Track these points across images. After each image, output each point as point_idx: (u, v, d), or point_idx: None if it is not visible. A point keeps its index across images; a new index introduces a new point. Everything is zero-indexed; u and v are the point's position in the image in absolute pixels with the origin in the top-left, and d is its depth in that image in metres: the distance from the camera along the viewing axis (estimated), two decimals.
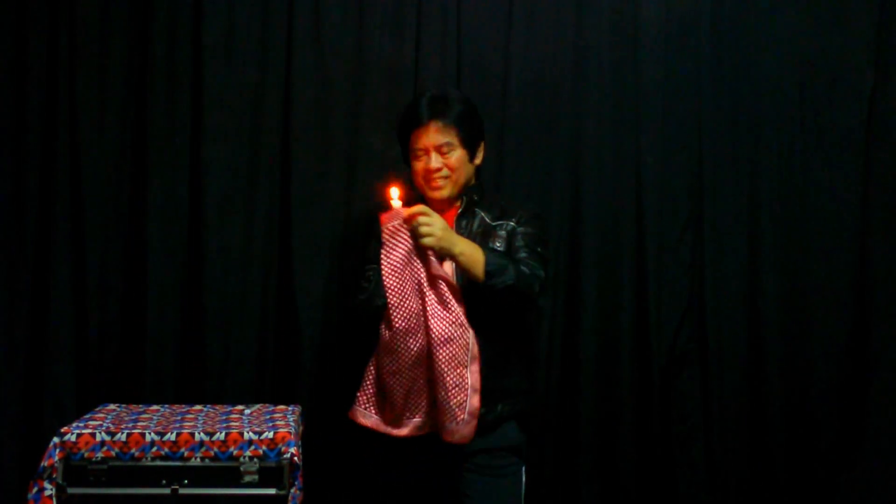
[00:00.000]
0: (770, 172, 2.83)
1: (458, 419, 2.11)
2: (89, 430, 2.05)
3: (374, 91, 2.75)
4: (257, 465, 2.05)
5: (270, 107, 2.72)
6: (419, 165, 2.30)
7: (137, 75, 2.67)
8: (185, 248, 2.68)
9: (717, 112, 2.84)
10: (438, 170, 2.28)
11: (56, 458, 2.01)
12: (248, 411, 2.34)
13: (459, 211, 2.33)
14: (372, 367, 2.24)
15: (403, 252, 2.10)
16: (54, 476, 2.00)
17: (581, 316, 2.77)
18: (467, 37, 2.78)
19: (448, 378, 2.11)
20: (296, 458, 2.06)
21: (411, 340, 2.11)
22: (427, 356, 2.13)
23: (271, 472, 2.06)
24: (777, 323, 2.81)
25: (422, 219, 2.10)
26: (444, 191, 2.30)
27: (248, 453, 2.05)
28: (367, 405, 2.24)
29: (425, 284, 2.12)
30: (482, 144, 2.37)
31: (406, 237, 2.11)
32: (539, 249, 2.29)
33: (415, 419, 2.18)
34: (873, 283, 2.81)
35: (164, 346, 2.65)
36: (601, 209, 2.81)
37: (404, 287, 2.10)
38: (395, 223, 2.11)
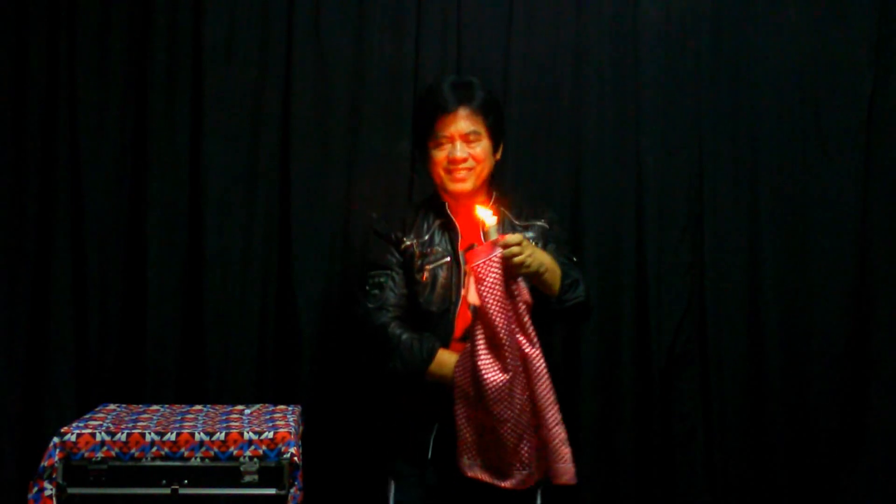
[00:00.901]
0: (770, 172, 2.84)
1: (566, 456, 1.98)
2: (89, 430, 2.05)
3: (374, 91, 2.75)
4: (257, 465, 2.05)
5: (270, 107, 2.72)
6: (441, 154, 2.18)
7: (137, 75, 2.67)
8: (184, 248, 2.68)
9: (717, 112, 2.84)
10: (464, 160, 2.17)
11: (56, 458, 2.01)
12: (248, 411, 2.34)
13: None
14: (465, 418, 2.02)
15: (501, 287, 1.92)
16: (54, 476, 2.00)
17: None
18: (467, 37, 2.78)
19: (549, 415, 1.98)
20: (296, 458, 2.06)
21: (518, 383, 1.95)
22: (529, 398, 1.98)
23: (271, 472, 2.05)
24: (777, 323, 2.81)
25: (515, 248, 1.92)
26: (468, 183, 2.19)
27: (248, 453, 2.05)
28: (473, 457, 2.03)
29: (513, 319, 1.95)
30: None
31: (497, 269, 1.92)
32: (576, 259, 2.24)
33: (524, 471, 2.00)
34: (873, 282, 2.81)
35: (164, 346, 2.64)
36: (601, 209, 2.81)
37: (510, 325, 1.93)
38: (485, 259, 1.92)
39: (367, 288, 2.19)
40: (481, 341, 1.96)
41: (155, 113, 2.66)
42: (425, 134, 2.20)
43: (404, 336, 2.11)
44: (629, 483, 2.76)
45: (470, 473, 2.04)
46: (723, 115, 2.84)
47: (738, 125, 2.85)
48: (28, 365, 2.59)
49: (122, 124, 2.67)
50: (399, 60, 2.76)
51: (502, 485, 2.02)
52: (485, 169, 2.20)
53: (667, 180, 2.83)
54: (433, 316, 2.16)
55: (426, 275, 2.17)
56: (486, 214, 1.96)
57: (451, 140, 2.16)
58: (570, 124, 2.82)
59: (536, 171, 2.81)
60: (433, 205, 2.27)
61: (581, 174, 2.81)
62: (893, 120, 2.82)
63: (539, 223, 2.24)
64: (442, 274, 2.17)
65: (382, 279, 2.18)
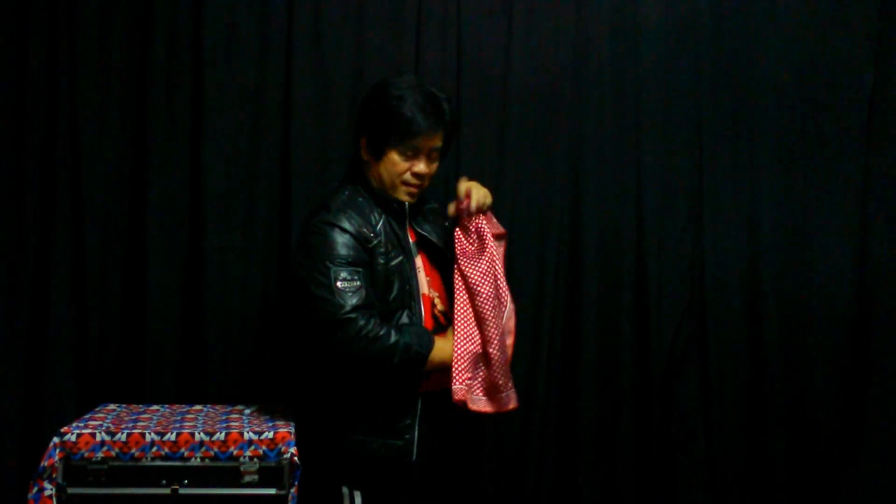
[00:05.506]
0: (770, 172, 2.84)
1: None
2: (89, 430, 2.05)
3: None
4: (257, 465, 2.05)
5: (270, 107, 2.72)
6: (405, 164, 2.11)
7: (138, 76, 2.67)
8: (185, 248, 2.68)
9: (717, 112, 2.84)
10: (428, 175, 2.16)
11: (56, 457, 2.01)
12: (247, 411, 2.34)
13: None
14: (470, 347, 2.11)
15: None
16: (54, 476, 2.00)
17: (581, 316, 2.77)
18: (467, 37, 2.79)
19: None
20: (296, 458, 2.06)
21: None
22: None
23: (271, 471, 2.06)
24: (777, 323, 2.81)
25: (476, 191, 2.17)
26: (415, 199, 2.19)
27: (248, 453, 2.05)
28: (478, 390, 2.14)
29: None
30: None
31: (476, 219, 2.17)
32: None
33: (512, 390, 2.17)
34: (873, 282, 2.81)
35: (164, 346, 2.64)
36: (601, 209, 2.81)
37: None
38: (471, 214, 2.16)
39: (339, 285, 2.03)
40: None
41: (155, 113, 2.66)
42: (392, 138, 2.10)
43: (394, 331, 2.05)
44: (629, 483, 2.76)
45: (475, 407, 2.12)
46: (723, 115, 2.85)
47: (738, 125, 2.85)
48: (28, 365, 2.59)
49: (122, 124, 2.67)
50: (399, 60, 2.76)
51: (509, 408, 2.15)
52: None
53: (667, 180, 2.83)
54: (391, 313, 2.11)
55: (390, 272, 2.12)
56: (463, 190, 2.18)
57: (419, 154, 2.12)
58: (570, 124, 2.82)
59: (536, 171, 2.81)
60: (377, 200, 2.18)
61: (581, 174, 2.81)
62: (893, 120, 2.82)
63: (430, 205, 2.33)
64: (400, 270, 2.14)
65: (355, 276, 2.05)
